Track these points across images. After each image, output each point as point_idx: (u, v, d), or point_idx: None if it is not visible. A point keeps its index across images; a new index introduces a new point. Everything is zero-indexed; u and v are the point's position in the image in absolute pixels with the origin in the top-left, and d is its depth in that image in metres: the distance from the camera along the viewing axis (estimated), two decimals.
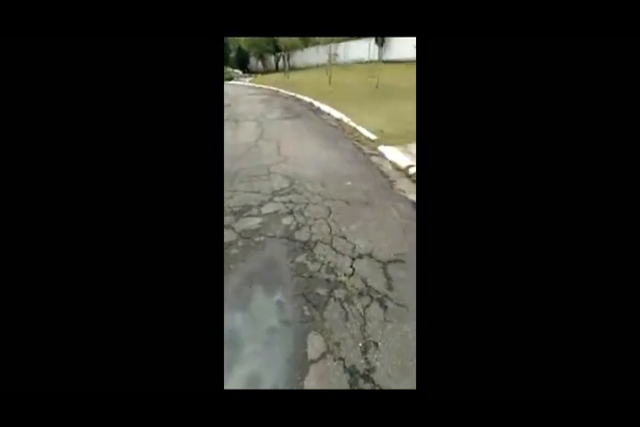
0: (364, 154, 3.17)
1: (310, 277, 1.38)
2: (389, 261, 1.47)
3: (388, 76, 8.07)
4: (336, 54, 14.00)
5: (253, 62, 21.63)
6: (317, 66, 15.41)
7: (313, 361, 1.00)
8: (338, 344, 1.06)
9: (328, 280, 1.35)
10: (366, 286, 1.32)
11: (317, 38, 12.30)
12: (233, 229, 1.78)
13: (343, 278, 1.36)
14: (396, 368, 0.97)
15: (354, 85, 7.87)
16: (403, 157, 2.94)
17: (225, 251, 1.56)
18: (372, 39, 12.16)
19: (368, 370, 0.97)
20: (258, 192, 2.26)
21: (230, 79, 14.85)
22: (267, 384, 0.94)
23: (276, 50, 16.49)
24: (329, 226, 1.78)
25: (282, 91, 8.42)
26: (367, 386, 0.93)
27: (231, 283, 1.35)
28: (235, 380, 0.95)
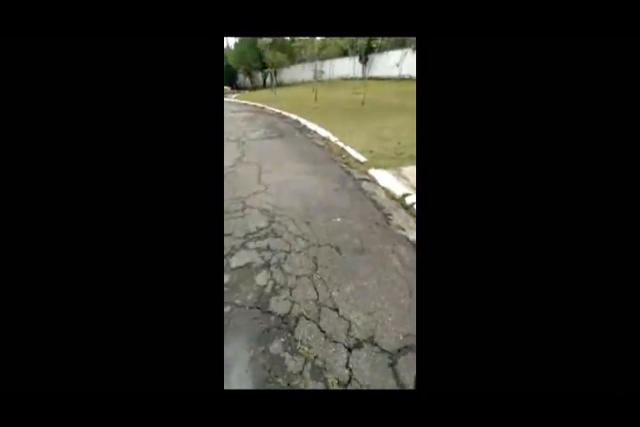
0: (354, 179, 2.84)
1: (288, 384, 0.95)
2: (399, 351, 1.06)
3: (373, 92, 8.04)
4: (322, 71, 14.24)
5: (241, 79, 21.85)
6: (304, 82, 15.61)
7: None
8: None
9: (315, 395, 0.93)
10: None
11: (303, 55, 12.49)
12: None
13: (336, 389, 0.94)
14: None
15: (340, 102, 7.76)
16: (396, 182, 2.62)
17: None
18: (357, 57, 12.42)
19: None
20: (229, 235, 1.85)
21: None
22: None
23: (264, 66, 16.66)
24: (315, 289, 1.37)
25: (267, 107, 8.21)
26: None
27: None
28: None
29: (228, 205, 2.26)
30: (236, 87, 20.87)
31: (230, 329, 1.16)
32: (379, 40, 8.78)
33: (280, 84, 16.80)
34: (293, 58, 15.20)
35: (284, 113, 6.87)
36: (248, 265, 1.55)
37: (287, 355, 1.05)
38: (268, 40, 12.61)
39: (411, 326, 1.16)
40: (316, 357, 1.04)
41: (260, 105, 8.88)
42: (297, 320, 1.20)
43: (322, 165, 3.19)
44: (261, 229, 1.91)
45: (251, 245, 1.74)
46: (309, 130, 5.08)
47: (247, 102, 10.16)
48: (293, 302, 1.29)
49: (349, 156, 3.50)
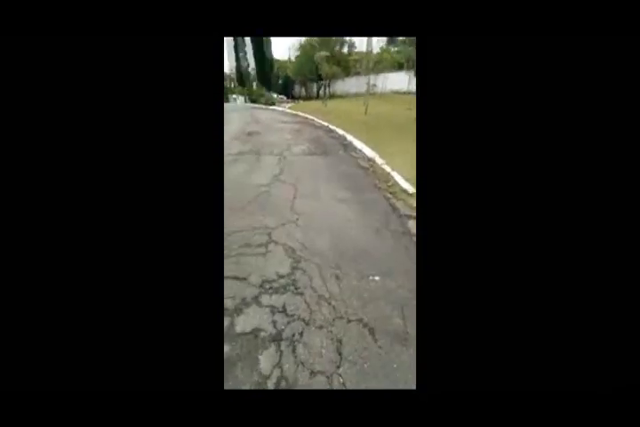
0: (400, 216, 2.42)
1: None
2: None
3: None
4: (374, 84, 14.00)
5: (297, 89, 23.02)
6: (356, 95, 15.53)
7: None
8: None
9: None
10: None
11: (358, 69, 12.43)
12: None
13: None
14: None
15: (391, 117, 7.33)
16: None
17: None
18: (412, 71, 11.90)
19: None
20: (244, 279, 1.59)
21: (272, 104, 15.32)
22: None
23: (319, 78, 17.13)
24: None
25: (316, 119, 8.15)
26: None
27: None
28: None
29: (251, 235, 2.03)
30: (292, 97, 21.99)
31: None
32: None
33: (332, 96, 16.99)
34: (348, 71, 15.26)
35: (332, 127, 6.69)
36: (255, 333, 1.25)
37: None
38: (325, 53, 12.82)
39: None
40: None
41: (309, 117, 8.88)
42: None
43: (363, 195, 2.82)
44: (282, 276, 1.62)
45: (264, 300, 1.45)
46: (355, 148, 4.77)
47: (298, 113, 10.31)
48: None
49: (395, 184, 3.09)
